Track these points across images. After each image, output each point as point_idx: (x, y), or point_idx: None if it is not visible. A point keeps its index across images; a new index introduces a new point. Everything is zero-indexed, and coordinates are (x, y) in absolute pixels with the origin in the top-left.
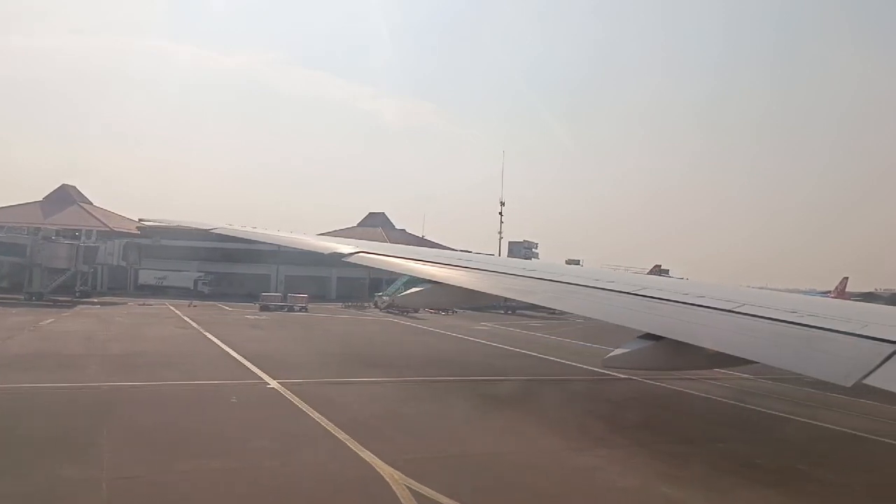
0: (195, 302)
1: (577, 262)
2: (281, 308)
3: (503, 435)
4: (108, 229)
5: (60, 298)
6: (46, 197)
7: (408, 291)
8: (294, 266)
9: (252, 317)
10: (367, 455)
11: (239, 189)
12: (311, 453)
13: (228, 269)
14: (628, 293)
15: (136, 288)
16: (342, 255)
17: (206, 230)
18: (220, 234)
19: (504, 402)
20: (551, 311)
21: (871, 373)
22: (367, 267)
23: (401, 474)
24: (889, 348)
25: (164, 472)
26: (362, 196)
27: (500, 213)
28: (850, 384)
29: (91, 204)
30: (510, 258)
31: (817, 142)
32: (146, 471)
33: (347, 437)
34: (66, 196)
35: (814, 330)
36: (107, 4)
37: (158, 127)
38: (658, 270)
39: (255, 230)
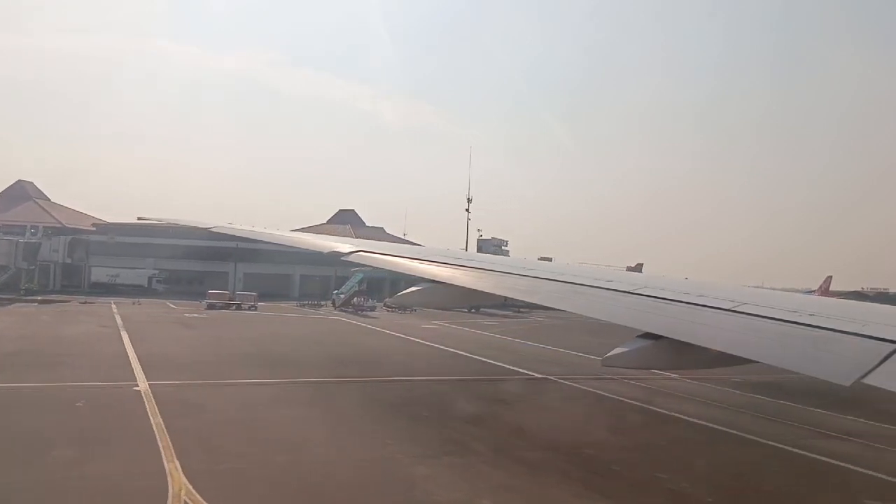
0: (140, 300)
1: (549, 261)
2: (228, 306)
3: (354, 441)
4: (60, 225)
5: (2, 297)
6: (1, 193)
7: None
8: (254, 264)
9: (192, 315)
10: (171, 466)
11: (239, 189)
12: (106, 464)
13: (186, 266)
14: (630, 293)
15: (90, 286)
16: (341, 255)
17: (205, 228)
18: (217, 232)
19: (385, 406)
20: (517, 310)
21: (870, 372)
22: (335, 265)
23: (191, 488)
24: (888, 347)
25: None
26: (362, 196)
27: (468, 210)
28: (849, 383)
29: (48, 200)
30: (514, 258)
31: (817, 142)
32: None
33: (169, 444)
34: (21, 192)
35: (814, 329)
36: (107, 4)
37: (158, 127)
38: (638, 268)
39: (253, 229)
